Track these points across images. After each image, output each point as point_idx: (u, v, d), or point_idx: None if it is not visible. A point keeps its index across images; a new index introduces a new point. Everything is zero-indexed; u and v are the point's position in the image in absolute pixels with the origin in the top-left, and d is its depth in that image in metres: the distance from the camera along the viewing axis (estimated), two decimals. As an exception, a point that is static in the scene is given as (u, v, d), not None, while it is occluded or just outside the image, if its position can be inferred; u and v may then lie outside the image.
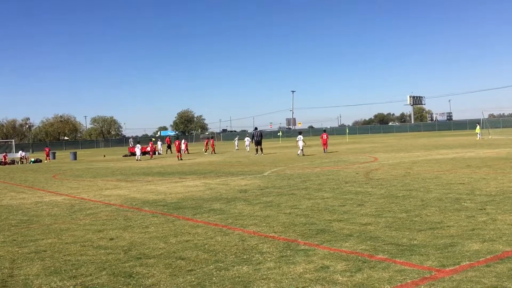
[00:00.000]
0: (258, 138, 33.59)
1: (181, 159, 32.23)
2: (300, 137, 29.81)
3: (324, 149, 31.57)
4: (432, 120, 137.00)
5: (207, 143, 42.18)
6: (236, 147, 47.03)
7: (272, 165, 22.44)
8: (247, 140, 40.70)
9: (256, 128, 35.82)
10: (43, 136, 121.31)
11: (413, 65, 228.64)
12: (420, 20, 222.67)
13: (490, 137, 44.07)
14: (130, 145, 58.41)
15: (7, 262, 6.74)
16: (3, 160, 41.76)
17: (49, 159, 45.01)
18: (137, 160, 34.71)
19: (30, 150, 72.64)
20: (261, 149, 33.62)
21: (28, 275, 6.03)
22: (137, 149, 35.99)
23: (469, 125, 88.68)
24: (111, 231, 8.54)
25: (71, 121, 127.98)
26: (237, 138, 51.70)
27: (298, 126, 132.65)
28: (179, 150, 33.41)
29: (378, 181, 13.67)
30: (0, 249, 7.54)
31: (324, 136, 31.70)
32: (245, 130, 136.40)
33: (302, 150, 29.07)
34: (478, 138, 42.40)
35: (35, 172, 27.46)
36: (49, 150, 47.85)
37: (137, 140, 46.85)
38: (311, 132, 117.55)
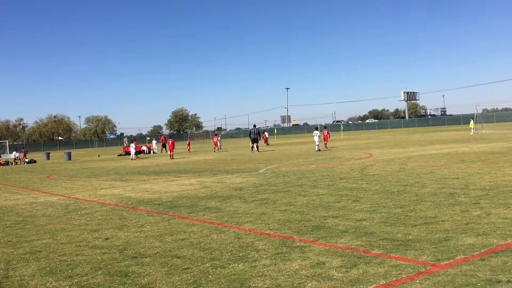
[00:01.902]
0: (255, 135, 33.64)
1: (172, 158, 32.22)
2: (316, 132, 30.11)
3: (325, 145, 32.51)
4: (426, 115, 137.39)
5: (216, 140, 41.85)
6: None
7: (267, 163, 22.45)
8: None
9: (254, 126, 35.94)
10: (37, 136, 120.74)
11: (407, 61, 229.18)
12: (413, 16, 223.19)
13: (484, 131, 44.27)
14: (125, 145, 58.28)
15: (2, 263, 6.72)
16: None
17: (24, 162, 43.70)
18: (131, 159, 34.64)
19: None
20: (257, 147, 33.65)
21: (24, 275, 6.02)
22: (132, 149, 35.90)
23: (463, 120, 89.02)
24: (107, 230, 8.53)
25: (65, 121, 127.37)
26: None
27: (293, 123, 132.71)
28: (172, 149, 33.43)
29: (373, 177, 13.71)
30: (-5, 251, 7.52)
31: (325, 132, 32.45)
32: (239, 128, 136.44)
33: (318, 145, 29.38)
34: (472, 132, 42.60)
35: (30, 173, 27.34)
36: (25, 152, 46.61)
37: (131, 139, 46.63)
38: (305, 129, 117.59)
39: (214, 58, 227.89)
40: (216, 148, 39.54)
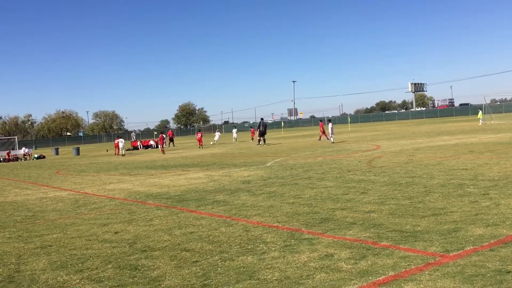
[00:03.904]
0: (263, 129, 33.78)
1: (163, 153, 32.33)
2: (330, 124, 30.32)
3: (320, 137, 34.52)
4: (434, 106, 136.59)
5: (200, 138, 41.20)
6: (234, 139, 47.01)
7: (275, 156, 22.45)
8: (234, 131, 42.23)
9: (262, 119, 36.32)
10: (45, 132, 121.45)
11: (414, 52, 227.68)
12: (420, 6, 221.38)
13: (492, 122, 43.95)
14: (133, 139, 58.52)
15: (13, 257, 6.79)
16: (6, 157, 41.90)
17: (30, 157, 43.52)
18: (120, 155, 34.22)
19: (33, 147, 72.76)
20: (264, 140, 33.76)
21: (35, 270, 6.08)
22: (120, 144, 35.25)
23: (471, 111, 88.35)
24: (116, 224, 8.59)
25: (73, 116, 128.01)
26: (235, 130, 51.69)
27: (300, 116, 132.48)
28: (162, 144, 33.69)
29: (380, 169, 13.67)
30: (6, 245, 7.60)
31: (322, 125, 34.12)
32: (246, 122, 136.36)
33: (332, 136, 29.57)
34: (481, 123, 42.28)
35: (39, 168, 27.53)
36: (28, 150, 45.55)
37: (118, 135, 45.99)
38: (313, 121, 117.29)
39: (220, 52, 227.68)
40: (201, 144, 39.30)
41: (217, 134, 44.86)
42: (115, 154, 36.33)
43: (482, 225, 6.50)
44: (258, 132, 34.14)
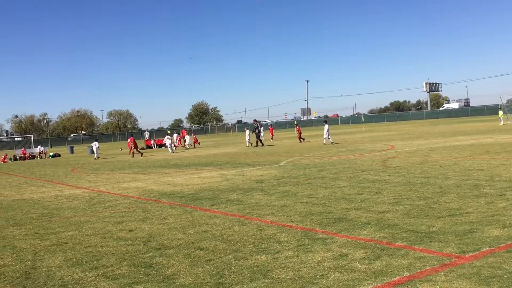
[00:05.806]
0: (257, 130, 33.08)
1: (133, 156, 31.77)
2: (326, 126, 30.10)
3: (300, 140, 35.34)
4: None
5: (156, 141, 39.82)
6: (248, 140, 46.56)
7: (288, 155, 22.42)
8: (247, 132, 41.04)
9: (255, 121, 36.97)
10: (61, 131, 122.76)
11: (429, 51, 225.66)
12: (435, 5, 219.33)
13: (509, 122, 43.33)
14: (146, 138, 58.82)
15: (29, 254, 6.88)
16: (22, 155, 42.44)
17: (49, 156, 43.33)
18: (95, 158, 32.86)
19: (49, 145, 73.59)
20: (261, 141, 33.41)
21: (51, 267, 6.15)
22: (94, 147, 33.79)
23: (487, 111, 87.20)
24: (130, 222, 8.65)
25: (87, 115, 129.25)
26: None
27: (313, 116, 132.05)
28: (136, 147, 32.82)
29: (395, 169, 13.57)
30: (23, 242, 7.70)
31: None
32: (259, 122, 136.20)
33: (327, 138, 29.35)
34: (501, 123, 41.53)
35: (54, 166, 27.83)
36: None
37: (96, 138, 44.91)
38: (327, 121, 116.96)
39: (234, 51, 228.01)
40: (178, 145, 38.94)
41: (188, 137, 43.40)
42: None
43: (498, 226, 6.42)
44: (255, 134, 33.45)
